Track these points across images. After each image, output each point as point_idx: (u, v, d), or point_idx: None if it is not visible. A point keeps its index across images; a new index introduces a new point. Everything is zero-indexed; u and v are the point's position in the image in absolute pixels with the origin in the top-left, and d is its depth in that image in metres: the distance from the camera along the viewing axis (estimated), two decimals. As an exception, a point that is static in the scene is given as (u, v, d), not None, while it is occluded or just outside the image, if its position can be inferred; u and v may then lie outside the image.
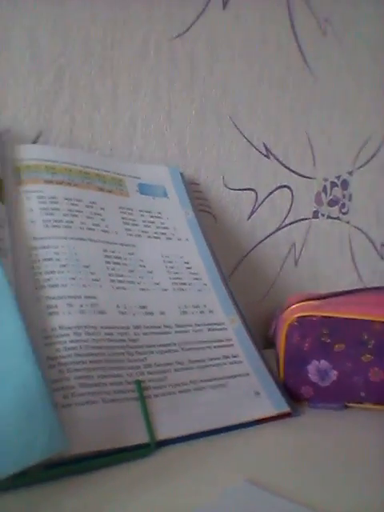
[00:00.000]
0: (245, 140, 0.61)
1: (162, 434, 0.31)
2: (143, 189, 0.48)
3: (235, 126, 0.60)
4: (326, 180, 0.70)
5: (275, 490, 0.26)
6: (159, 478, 0.27)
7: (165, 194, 0.49)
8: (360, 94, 0.74)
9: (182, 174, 0.52)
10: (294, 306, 0.40)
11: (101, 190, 0.44)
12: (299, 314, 0.39)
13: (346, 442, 0.33)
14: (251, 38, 0.61)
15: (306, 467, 0.29)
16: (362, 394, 0.38)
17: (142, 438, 0.30)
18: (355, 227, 0.75)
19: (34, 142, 0.46)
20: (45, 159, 0.42)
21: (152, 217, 0.46)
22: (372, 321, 0.37)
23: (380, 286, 0.49)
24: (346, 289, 0.49)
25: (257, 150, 0.62)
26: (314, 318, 0.39)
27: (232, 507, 0.24)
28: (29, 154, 0.42)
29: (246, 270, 0.61)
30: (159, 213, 0.46)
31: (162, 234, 0.45)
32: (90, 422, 0.29)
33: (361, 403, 0.39)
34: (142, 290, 0.39)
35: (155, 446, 0.30)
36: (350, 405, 0.39)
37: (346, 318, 0.38)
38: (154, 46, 0.53)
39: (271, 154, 0.64)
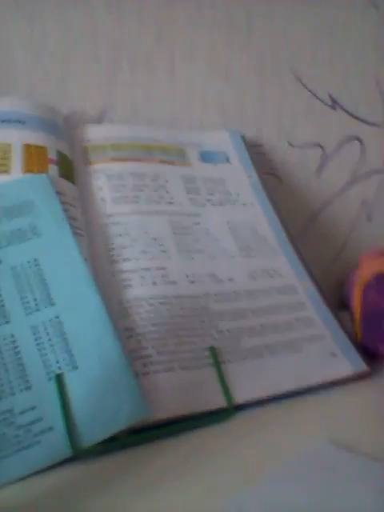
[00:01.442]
0: (308, 93, 0.58)
1: (240, 398, 0.32)
2: (205, 156, 0.47)
3: (297, 78, 0.57)
4: (400, 126, 0.65)
5: (355, 450, 0.26)
6: (238, 440, 0.28)
7: (227, 160, 0.48)
8: None
9: (243, 137, 0.51)
10: (368, 263, 0.39)
11: (164, 162, 0.44)
12: (376, 272, 0.37)
13: None
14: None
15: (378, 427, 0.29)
16: None
17: (220, 402, 0.31)
18: None
19: (99, 122, 0.47)
20: (109, 137, 0.43)
21: (215, 184, 0.45)
22: None
23: None
24: None
25: (321, 101, 0.59)
26: (391, 277, 0.37)
27: (311, 466, 0.24)
28: (94, 134, 0.43)
29: (317, 231, 0.59)
30: (222, 179, 0.46)
31: (227, 200, 0.45)
32: (169, 389, 0.31)
33: None
34: (210, 258, 0.40)
35: (233, 409, 0.31)
36: None
37: None
38: (207, 7, 0.51)
39: (337, 104, 0.60)
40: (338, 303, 0.53)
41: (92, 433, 0.26)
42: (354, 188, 0.62)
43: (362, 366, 0.36)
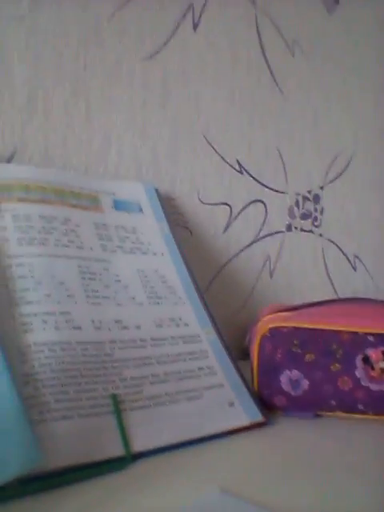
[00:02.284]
0: (218, 157, 0.63)
1: (138, 446, 0.32)
2: (118, 205, 0.48)
3: (209, 143, 0.62)
4: (297, 194, 0.73)
5: (249, 498, 0.26)
6: (135, 489, 0.28)
7: (140, 210, 0.50)
8: (329, 111, 0.77)
9: (156, 189, 0.53)
10: (266, 318, 0.42)
11: (75, 207, 0.44)
12: (271, 325, 0.40)
13: (318, 451, 0.34)
14: (222, 58, 0.63)
15: (279, 476, 0.30)
16: (333, 403, 0.39)
17: (118, 450, 0.31)
18: (328, 240, 0.78)
19: (9, 161, 0.47)
20: (19, 178, 0.42)
21: (127, 232, 0.46)
22: (340, 331, 0.39)
23: (351, 297, 0.50)
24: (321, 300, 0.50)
25: (230, 166, 0.64)
26: (285, 329, 0.40)
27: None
28: (3, 173, 0.42)
29: (222, 283, 0.63)
30: (134, 228, 0.47)
31: (138, 248, 0.46)
32: (66, 437, 0.29)
33: (331, 411, 0.40)
34: (118, 304, 0.40)
35: (131, 458, 0.31)
36: (321, 413, 0.40)
37: (316, 329, 0.39)
38: (126, 66, 0.55)
39: (244, 169, 0.66)
40: (240, 354, 0.55)
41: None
42: (257, 245, 0.67)
43: (257, 415, 0.38)
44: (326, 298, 0.75)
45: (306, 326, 0.39)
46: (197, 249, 0.60)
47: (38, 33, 0.49)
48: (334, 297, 0.78)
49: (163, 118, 0.58)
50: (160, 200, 0.52)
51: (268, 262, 0.68)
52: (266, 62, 0.68)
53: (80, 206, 0.45)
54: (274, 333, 0.40)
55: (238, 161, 0.65)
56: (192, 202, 0.60)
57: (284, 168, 0.70)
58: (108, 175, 0.53)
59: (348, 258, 0.81)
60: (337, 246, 0.79)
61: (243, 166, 0.65)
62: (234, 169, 0.64)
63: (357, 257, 0.82)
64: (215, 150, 0.62)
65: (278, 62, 0.69)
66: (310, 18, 0.73)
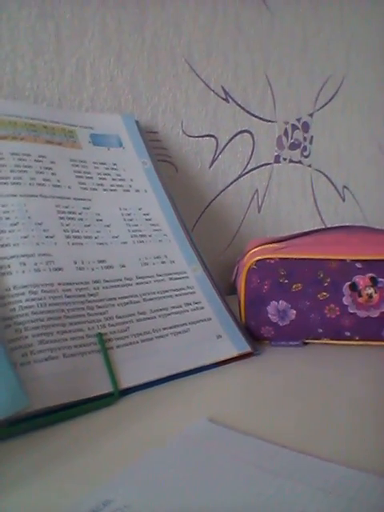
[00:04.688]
0: (202, 83, 0.59)
1: (126, 382, 0.32)
2: (96, 139, 0.46)
3: (191, 68, 0.58)
4: (286, 123, 0.69)
5: (236, 427, 0.27)
6: (124, 424, 0.28)
7: (120, 144, 0.47)
8: (318, 32, 0.71)
9: (137, 121, 0.50)
10: (252, 251, 0.41)
11: (50, 142, 0.42)
12: (258, 258, 0.39)
13: (305, 378, 0.35)
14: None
15: (267, 404, 0.31)
16: (320, 331, 0.40)
17: (105, 387, 0.31)
18: (317, 170, 0.76)
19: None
20: (-14, 112, 0.39)
21: (107, 169, 0.44)
22: (327, 259, 0.38)
23: (338, 226, 0.49)
24: (308, 231, 0.50)
25: (215, 93, 0.60)
26: (272, 261, 0.39)
27: (191, 445, 0.25)
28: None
29: (210, 220, 0.61)
30: (115, 164, 0.45)
31: (119, 186, 0.44)
32: (51, 377, 0.30)
33: (318, 339, 0.40)
34: (100, 244, 0.39)
35: (119, 394, 0.31)
36: (309, 341, 0.41)
37: (302, 259, 0.39)
38: (96, -18, 0.49)
39: (230, 97, 0.62)
40: (229, 288, 0.55)
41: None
42: (245, 179, 0.65)
43: (245, 346, 0.38)
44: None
45: (292, 256, 0.39)
46: (182, 185, 0.58)
47: None
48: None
49: (141, 41, 0.53)
50: (141, 133, 0.50)
51: (256, 196, 0.67)
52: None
53: (54, 142, 0.42)
54: (261, 265, 0.39)
55: (223, 87, 0.61)
56: (176, 134, 0.57)
57: (272, 95, 0.67)
58: (83, 108, 0.50)
59: (337, 189, 0.79)
60: (326, 176, 0.77)
61: (229, 93, 0.62)
62: (220, 96, 0.61)
63: (346, 187, 0.81)
64: (199, 76, 0.58)
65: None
66: None
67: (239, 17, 0.61)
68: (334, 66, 0.75)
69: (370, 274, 0.38)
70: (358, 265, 0.38)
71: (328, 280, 0.39)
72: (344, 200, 0.81)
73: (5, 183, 0.36)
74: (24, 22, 0.46)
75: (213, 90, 0.60)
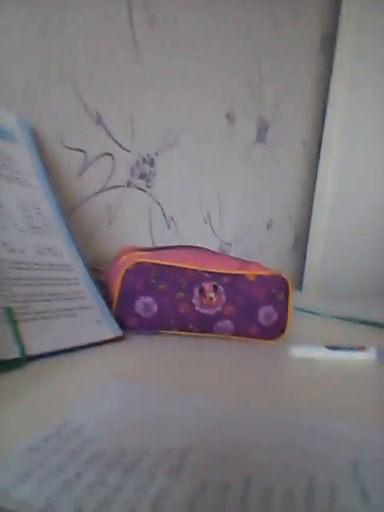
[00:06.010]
0: (81, 104, 0.66)
1: (30, 350, 0.37)
2: (-6, 131, 0.48)
3: (76, 89, 0.64)
4: (139, 155, 0.82)
5: (132, 379, 0.35)
6: (32, 384, 0.33)
7: (13, 139, 0.51)
8: (171, 87, 0.87)
9: (29, 124, 0.54)
10: (131, 255, 0.50)
11: None
12: (137, 260, 0.49)
13: (162, 354, 0.45)
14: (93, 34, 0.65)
15: (136, 371, 0.40)
16: (172, 323, 0.51)
17: (15, 353, 0.35)
18: (155, 200, 0.90)
19: None
20: None
21: (5, 160, 0.47)
22: (186, 268, 0.51)
23: (191, 245, 0.63)
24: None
25: (90, 115, 0.68)
26: (147, 264, 0.49)
27: (113, 386, 0.32)
28: None
29: (71, 225, 0.67)
30: (12, 158, 0.48)
31: (16, 179, 0.47)
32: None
33: (170, 330, 0.52)
34: (3, 228, 0.42)
35: (26, 359, 0.36)
36: (162, 331, 0.52)
37: (169, 265, 0.50)
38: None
39: (101, 122, 0.70)
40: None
41: None
42: (103, 195, 0.73)
43: (119, 331, 0.47)
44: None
45: (162, 262, 0.50)
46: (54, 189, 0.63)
47: None
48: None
49: (34, 54, 0.58)
50: (31, 134, 0.54)
51: (109, 212, 0.76)
52: (132, 32, 0.73)
53: None
54: (138, 267, 0.49)
55: (97, 112, 0.69)
56: (53, 142, 0.62)
57: (132, 128, 0.78)
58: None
59: (166, 219, 0.95)
60: (160, 206, 0.92)
61: (102, 117, 0.70)
62: (93, 119, 0.69)
63: (172, 218, 0.97)
64: (79, 96, 0.65)
65: (141, 33, 0.75)
66: None
67: (117, 59, 0.72)
68: (175, 119, 0.91)
69: (214, 282, 0.52)
70: (207, 274, 0.52)
71: (184, 283, 0.51)
72: (169, 227, 0.97)
73: None
74: None
75: (89, 112, 0.68)
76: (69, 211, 0.67)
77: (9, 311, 0.37)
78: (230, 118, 1.05)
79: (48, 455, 0.22)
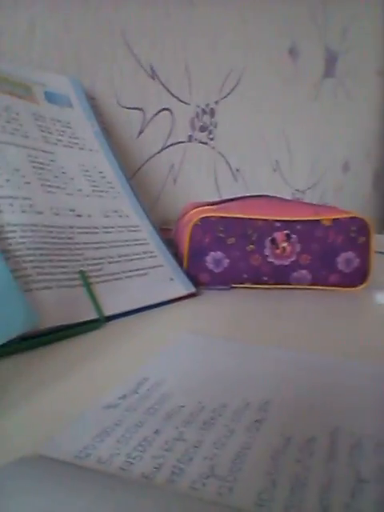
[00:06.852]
0: (134, 59, 0.64)
1: (108, 311, 0.37)
2: (50, 97, 0.48)
3: (126, 43, 0.62)
4: (198, 107, 0.78)
5: (208, 335, 0.35)
6: (112, 343, 0.34)
7: (70, 104, 0.50)
8: (227, 27, 0.81)
9: (83, 86, 0.53)
10: (195, 210, 0.49)
11: (11, 94, 0.43)
12: (202, 215, 0.47)
13: (236, 309, 0.44)
14: None
15: (211, 326, 0.39)
16: (245, 276, 0.50)
17: (93, 315, 0.36)
18: (219, 153, 0.86)
19: None
20: None
21: (63, 126, 0.47)
22: (255, 219, 0.48)
23: (257, 194, 0.60)
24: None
25: (144, 70, 0.66)
26: (213, 218, 0.48)
27: (188, 343, 0.32)
28: None
29: (136, 186, 0.67)
30: (68, 123, 0.48)
31: (75, 143, 0.47)
32: (50, 303, 0.33)
33: (242, 283, 0.51)
34: (68, 194, 0.42)
35: (104, 319, 0.37)
36: (235, 286, 0.51)
37: (236, 218, 0.48)
38: None
39: (156, 75, 0.68)
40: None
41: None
42: (165, 153, 0.72)
43: (191, 287, 0.46)
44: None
45: (229, 215, 0.48)
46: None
47: None
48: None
49: (84, 16, 0.56)
50: (87, 97, 0.53)
51: (172, 170, 0.75)
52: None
53: (16, 94, 0.44)
54: (205, 221, 0.48)
55: (151, 66, 0.67)
56: (110, 103, 0.61)
57: (189, 79, 0.75)
58: (33, 65, 0.51)
59: (232, 171, 0.92)
60: (224, 158, 0.89)
61: (155, 71, 0.68)
62: (148, 73, 0.66)
63: (238, 170, 0.94)
64: (131, 50, 0.63)
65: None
66: None
67: (168, 6, 0.68)
68: (235, 61, 0.86)
69: (286, 231, 0.49)
70: (277, 224, 0.49)
71: (255, 235, 0.49)
72: (236, 180, 0.93)
73: (-16, 128, 0.38)
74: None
75: (143, 66, 0.65)
76: (131, 173, 0.66)
77: (83, 275, 0.37)
78: (293, 52, 0.96)
79: (126, 412, 0.22)
